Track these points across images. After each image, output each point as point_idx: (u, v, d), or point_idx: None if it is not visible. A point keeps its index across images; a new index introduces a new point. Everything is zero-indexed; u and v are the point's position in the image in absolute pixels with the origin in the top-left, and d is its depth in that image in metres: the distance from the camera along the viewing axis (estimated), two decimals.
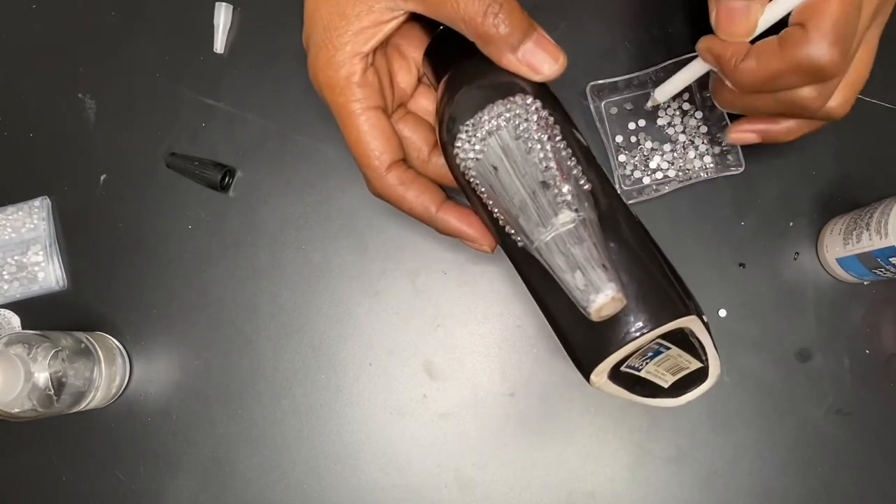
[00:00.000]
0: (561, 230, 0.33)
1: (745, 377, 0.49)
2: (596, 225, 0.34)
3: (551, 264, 0.33)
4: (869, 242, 0.44)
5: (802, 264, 0.50)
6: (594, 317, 0.32)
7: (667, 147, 0.50)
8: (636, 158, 0.50)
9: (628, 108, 0.51)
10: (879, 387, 0.49)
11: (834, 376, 0.49)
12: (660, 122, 0.50)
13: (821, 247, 0.50)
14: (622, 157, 0.50)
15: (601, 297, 0.32)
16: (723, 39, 0.37)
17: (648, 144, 0.50)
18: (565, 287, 0.33)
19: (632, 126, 0.51)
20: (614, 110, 0.51)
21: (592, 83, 0.49)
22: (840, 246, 0.47)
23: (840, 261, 0.48)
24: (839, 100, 0.38)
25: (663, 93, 0.44)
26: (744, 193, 0.51)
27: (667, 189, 0.50)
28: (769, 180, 0.51)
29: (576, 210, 0.33)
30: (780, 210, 0.50)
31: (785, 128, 0.41)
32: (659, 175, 0.50)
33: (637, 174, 0.50)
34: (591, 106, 0.50)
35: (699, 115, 0.50)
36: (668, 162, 0.50)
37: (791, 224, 0.51)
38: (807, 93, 0.36)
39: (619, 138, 0.51)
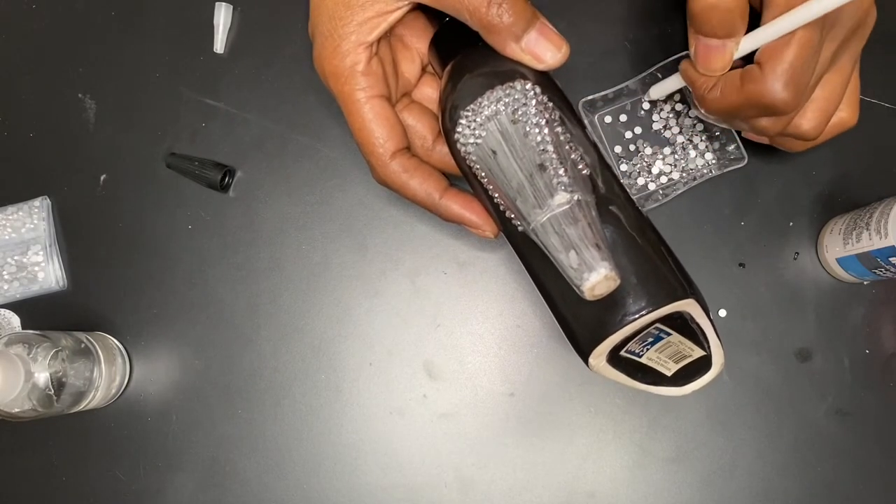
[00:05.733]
0: (556, 211, 0.34)
1: (745, 377, 0.49)
2: (592, 207, 0.34)
3: (547, 245, 0.34)
4: (869, 242, 0.44)
5: (802, 264, 0.50)
6: (588, 296, 0.33)
7: (667, 150, 0.50)
8: (638, 166, 0.50)
9: (623, 118, 0.51)
10: (879, 387, 0.49)
11: (834, 376, 0.49)
12: (655, 126, 0.50)
13: (821, 247, 0.50)
14: (624, 167, 0.50)
15: (594, 275, 0.32)
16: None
17: (648, 150, 0.50)
18: (560, 267, 0.34)
19: (629, 135, 0.51)
20: (609, 119, 0.51)
21: (584, 99, 0.49)
22: (840, 246, 0.47)
23: (840, 261, 0.48)
24: (812, 123, 0.40)
25: (658, 90, 0.46)
26: (744, 193, 0.51)
27: (674, 194, 0.50)
28: (769, 180, 0.51)
29: (571, 192, 0.34)
30: (780, 210, 0.51)
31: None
32: (664, 179, 0.50)
33: (641, 181, 0.50)
34: (586, 121, 0.50)
35: (693, 113, 0.50)
36: (671, 165, 0.50)
37: (791, 224, 0.51)
38: (764, 122, 0.39)
39: (618, 148, 0.50)
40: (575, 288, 0.33)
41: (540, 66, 0.36)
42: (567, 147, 0.35)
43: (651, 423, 0.50)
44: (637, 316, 0.34)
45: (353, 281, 0.52)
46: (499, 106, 0.35)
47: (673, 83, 0.45)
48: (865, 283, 0.49)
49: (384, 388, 0.51)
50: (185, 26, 0.54)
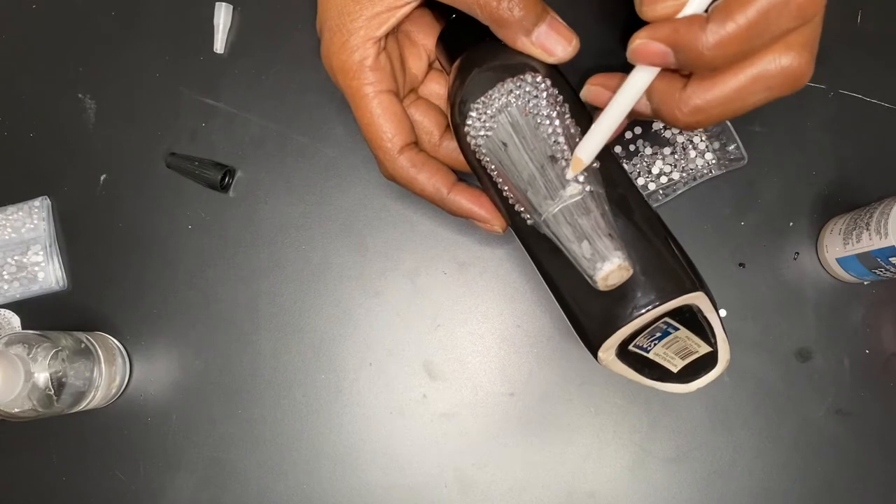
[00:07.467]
0: (569, 202, 0.34)
1: (745, 377, 0.49)
2: (603, 198, 0.35)
3: (559, 236, 0.34)
4: (869, 242, 0.44)
5: (802, 264, 0.50)
6: (601, 285, 0.33)
7: (667, 150, 0.50)
8: (638, 166, 0.50)
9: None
10: (879, 387, 0.49)
11: (834, 376, 0.49)
12: (655, 126, 0.50)
13: (821, 247, 0.50)
14: (624, 167, 0.50)
15: (607, 265, 0.32)
16: (664, 20, 0.31)
17: (648, 150, 0.50)
18: (572, 257, 0.34)
19: (629, 135, 0.51)
20: None
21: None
22: (840, 246, 0.47)
23: (840, 261, 0.48)
24: (807, 56, 0.31)
25: (589, 149, 0.34)
26: (744, 193, 0.51)
27: (674, 194, 0.50)
28: (769, 180, 0.51)
29: (583, 183, 0.34)
30: (780, 210, 0.51)
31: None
32: (664, 179, 0.50)
33: (641, 181, 0.50)
34: None
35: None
36: (671, 165, 0.50)
37: (791, 224, 0.51)
38: (788, 60, 0.31)
39: (617, 148, 0.50)
40: (588, 278, 0.33)
41: (551, 60, 0.36)
42: (578, 139, 0.35)
43: (651, 423, 0.50)
44: (646, 309, 0.34)
45: (353, 281, 0.52)
46: (509, 98, 0.35)
47: (612, 119, 0.34)
48: (865, 283, 0.49)
49: (384, 388, 0.51)
50: (185, 26, 0.54)
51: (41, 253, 0.53)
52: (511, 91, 0.35)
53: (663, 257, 0.35)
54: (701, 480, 0.49)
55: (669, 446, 0.49)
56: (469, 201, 0.41)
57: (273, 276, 0.52)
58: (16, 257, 0.53)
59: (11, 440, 0.52)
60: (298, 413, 0.51)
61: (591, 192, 0.34)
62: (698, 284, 0.35)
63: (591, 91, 0.38)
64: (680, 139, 0.50)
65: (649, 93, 0.34)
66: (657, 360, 0.37)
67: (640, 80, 0.33)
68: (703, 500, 0.49)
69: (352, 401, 0.51)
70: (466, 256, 0.51)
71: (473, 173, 0.39)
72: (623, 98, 0.33)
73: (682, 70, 0.33)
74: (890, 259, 0.44)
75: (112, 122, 0.54)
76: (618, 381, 0.50)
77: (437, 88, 0.44)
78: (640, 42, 0.31)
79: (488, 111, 0.36)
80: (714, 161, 0.50)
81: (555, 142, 0.35)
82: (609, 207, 0.34)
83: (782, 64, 0.31)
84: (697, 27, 0.30)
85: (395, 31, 0.41)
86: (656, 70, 0.32)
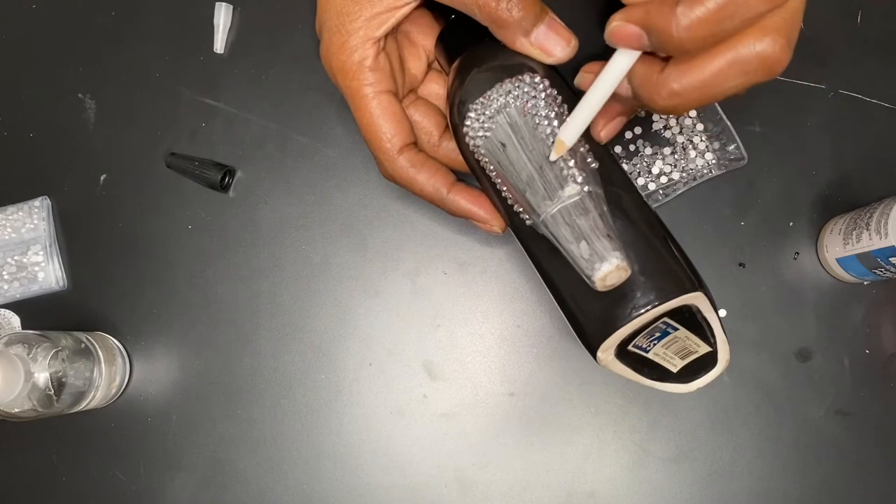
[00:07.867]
0: (567, 202, 0.34)
1: (745, 377, 0.49)
2: (602, 199, 0.35)
3: (557, 236, 0.34)
4: (869, 242, 0.45)
5: (802, 264, 0.50)
6: (599, 286, 0.33)
7: (667, 150, 0.50)
8: (638, 166, 0.50)
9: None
10: (879, 387, 0.49)
11: (834, 376, 0.49)
12: (655, 126, 0.50)
13: (821, 247, 0.50)
14: (624, 167, 0.50)
15: (605, 265, 0.32)
16: (639, 2, 0.31)
17: (648, 150, 0.50)
18: (571, 258, 0.34)
19: (628, 135, 0.51)
20: None
21: None
22: (840, 246, 0.47)
23: (840, 261, 0.48)
24: (782, 42, 0.30)
25: (572, 131, 0.34)
26: (744, 193, 0.51)
27: (674, 194, 0.50)
28: (769, 180, 0.51)
29: (581, 183, 0.34)
30: (780, 210, 0.51)
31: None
32: (664, 179, 0.50)
33: (641, 181, 0.50)
34: None
35: (693, 112, 0.50)
36: (671, 165, 0.50)
37: (791, 224, 0.51)
38: (763, 46, 0.30)
39: (617, 148, 0.50)
40: (586, 279, 0.33)
41: (549, 60, 0.36)
42: (576, 140, 0.35)
43: (651, 423, 0.50)
44: (646, 309, 0.34)
45: (353, 281, 0.52)
46: (508, 99, 0.35)
47: (595, 101, 0.34)
48: (865, 283, 0.49)
49: (384, 388, 0.51)
50: (185, 26, 0.54)
51: (41, 253, 0.53)
52: (510, 91, 0.35)
53: (662, 257, 0.35)
54: (701, 480, 0.49)
55: (669, 446, 0.49)
56: (468, 201, 0.41)
57: (273, 276, 0.52)
58: (16, 257, 0.53)
59: (11, 440, 0.52)
60: (298, 413, 0.51)
61: (589, 192, 0.34)
62: (697, 284, 0.35)
63: (585, 78, 0.38)
64: (680, 139, 0.50)
65: (630, 76, 0.34)
66: (657, 360, 0.37)
67: (620, 63, 0.33)
68: (703, 500, 0.49)
69: (352, 401, 0.51)
70: (466, 256, 0.51)
71: (472, 174, 0.39)
72: (604, 81, 0.33)
73: (658, 53, 0.33)
74: (890, 259, 0.44)
75: (112, 122, 0.54)
76: (618, 381, 0.50)
77: (436, 89, 0.44)
78: (615, 24, 0.32)
79: (487, 112, 0.36)
80: (714, 161, 0.50)
81: (553, 142, 0.35)
82: (607, 208, 0.34)
83: (757, 49, 0.31)
84: (668, 9, 0.30)
85: (394, 32, 0.41)
86: (637, 53, 0.33)
